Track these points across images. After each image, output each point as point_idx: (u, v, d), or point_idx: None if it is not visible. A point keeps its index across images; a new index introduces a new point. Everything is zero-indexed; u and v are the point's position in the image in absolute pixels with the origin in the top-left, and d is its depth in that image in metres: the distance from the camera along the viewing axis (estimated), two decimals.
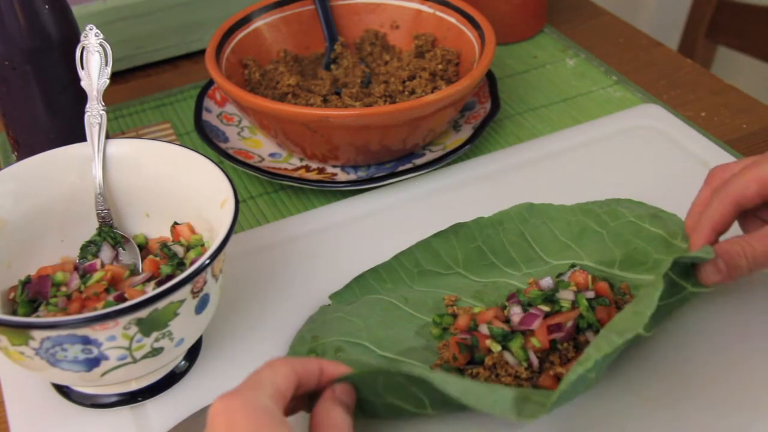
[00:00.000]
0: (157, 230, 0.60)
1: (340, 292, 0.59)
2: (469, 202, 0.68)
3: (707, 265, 0.51)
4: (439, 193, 0.70)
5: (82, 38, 0.60)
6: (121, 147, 0.59)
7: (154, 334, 0.48)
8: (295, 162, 0.73)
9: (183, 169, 0.57)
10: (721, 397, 0.52)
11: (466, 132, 0.74)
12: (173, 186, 0.58)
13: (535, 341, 0.50)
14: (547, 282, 0.55)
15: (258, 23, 0.79)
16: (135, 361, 0.48)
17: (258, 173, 0.70)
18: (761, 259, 0.50)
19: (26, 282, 0.55)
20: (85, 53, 0.60)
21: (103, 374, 0.48)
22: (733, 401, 0.52)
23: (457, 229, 0.60)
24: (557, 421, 0.51)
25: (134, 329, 0.47)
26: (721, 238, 0.53)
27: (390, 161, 0.72)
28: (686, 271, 0.52)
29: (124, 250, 0.58)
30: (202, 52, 0.84)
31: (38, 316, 0.53)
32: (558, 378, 0.50)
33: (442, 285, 0.58)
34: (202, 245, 0.57)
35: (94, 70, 0.60)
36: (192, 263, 0.55)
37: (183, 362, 0.56)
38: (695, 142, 0.73)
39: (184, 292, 0.48)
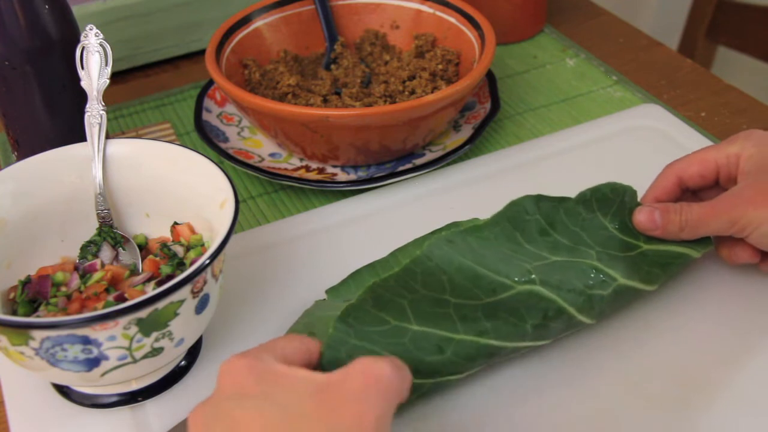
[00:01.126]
0: (157, 230, 0.60)
1: (337, 287, 0.59)
2: (469, 202, 0.68)
3: (643, 208, 0.55)
4: (439, 193, 0.70)
5: (82, 38, 0.60)
6: (121, 147, 0.59)
7: (154, 334, 0.48)
8: (295, 162, 0.73)
9: (183, 169, 0.57)
10: (721, 396, 0.52)
11: (466, 132, 0.74)
12: (173, 186, 0.58)
13: None
14: None
15: (258, 23, 0.79)
16: (135, 361, 0.48)
17: (258, 173, 0.70)
18: (694, 223, 0.54)
19: (26, 282, 0.55)
20: (85, 53, 0.60)
21: (103, 374, 0.48)
22: (733, 401, 0.52)
23: (452, 227, 0.60)
24: (555, 418, 0.51)
25: (134, 329, 0.47)
26: None
27: (390, 161, 0.72)
28: (629, 228, 0.56)
29: (124, 250, 0.59)
30: (202, 52, 0.84)
31: (38, 316, 0.53)
32: None
33: None
34: (202, 245, 0.57)
35: (94, 70, 0.60)
36: (192, 263, 0.55)
37: (183, 362, 0.56)
38: (695, 142, 0.73)
39: (184, 292, 0.48)
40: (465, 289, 0.51)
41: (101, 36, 0.60)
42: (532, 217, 0.55)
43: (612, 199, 0.57)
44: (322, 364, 0.48)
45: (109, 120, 0.79)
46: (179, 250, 0.57)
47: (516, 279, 0.52)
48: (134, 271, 0.57)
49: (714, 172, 0.57)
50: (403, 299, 0.50)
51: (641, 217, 0.55)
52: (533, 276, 0.52)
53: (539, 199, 0.55)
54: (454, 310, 0.51)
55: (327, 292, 0.59)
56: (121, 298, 0.54)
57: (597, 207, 0.57)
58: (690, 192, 0.60)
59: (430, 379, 0.50)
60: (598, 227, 0.56)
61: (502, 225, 0.54)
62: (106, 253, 0.58)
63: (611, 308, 0.55)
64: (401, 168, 0.71)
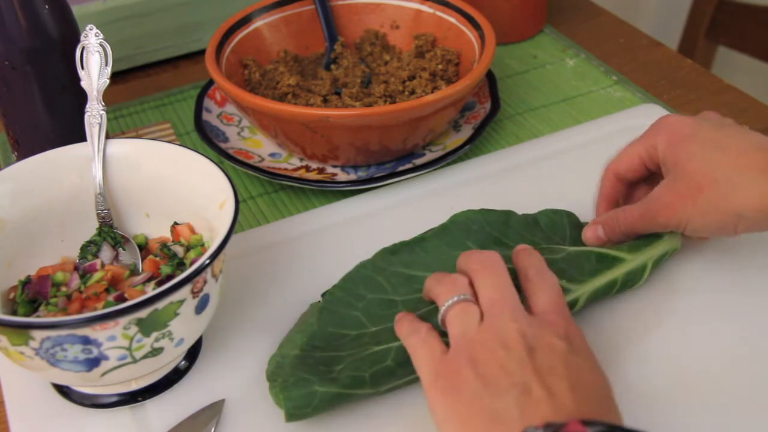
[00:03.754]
0: (157, 230, 0.60)
1: (332, 290, 0.59)
2: (468, 202, 0.68)
3: (588, 227, 0.59)
4: (439, 193, 0.70)
5: (82, 38, 0.60)
6: (121, 147, 0.59)
7: (154, 334, 0.48)
8: (295, 162, 0.73)
9: (183, 169, 0.57)
10: (722, 396, 0.52)
11: (466, 132, 0.74)
12: (173, 186, 0.58)
13: None
14: None
15: (258, 23, 0.79)
16: (135, 361, 0.48)
17: (258, 173, 0.70)
18: (634, 228, 0.57)
19: (26, 282, 0.55)
20: (85, 53, 0.60)
21: (103, 374, 0.48)
22: (735, 401, 0.52)
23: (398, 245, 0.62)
24: None
25: (134, 329, 0.47)
26: None
27: (390, 161, 0.72)
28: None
29: (124, 250, 0.59)
30: (202, 52, 0.84)
31: (38, 316, 0.53)
32: None
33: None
34: (202, 245, 0.57)
35: (94, 70, 0.60)
36: (192, 263, 0.55)
37: (183, 362, 0.56)
38: None
39: (184, 292, 0.48)
40: (404, 286, 0.55)
41: (101, 36, 0.60)
42: (482, 228, 0.59)
43: (559, 222, 0.60)
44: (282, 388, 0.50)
45: (109, 120, 0.79)
46: (179, 250, 0.57)
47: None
48: (134, 271, 0.57)
49: (642, 165, 0.59)
50: (355, 310, 0.54)
51: (588, 234, 0.59)
52: None
53: (483, 212, 0.60)
54: (403, 306, 0.54)
55: (323, 295, 0.59)
56: (121, 298, 0.54)
57: (548, 229, 0.60)
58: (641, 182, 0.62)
59: (393, 343, 0.51)
60: (557, 234, 0.60)
61: (452, 235, 0.58)
62: (106, 253, 0.58)
63: (579, 269, 0.56)
64: (401, 168, 0.71)
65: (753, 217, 0.52)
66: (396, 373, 0.51)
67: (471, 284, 0.49)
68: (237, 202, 0.52)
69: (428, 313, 0.52)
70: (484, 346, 0.45)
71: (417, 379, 0.53)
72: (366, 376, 0.50)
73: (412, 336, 0.49)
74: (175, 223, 0.58)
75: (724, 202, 0.52)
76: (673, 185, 0.55)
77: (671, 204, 0.55)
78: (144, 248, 0.59)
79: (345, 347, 0.52)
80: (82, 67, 0.60)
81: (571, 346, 0.45)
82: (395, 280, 0.55)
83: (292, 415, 0.50)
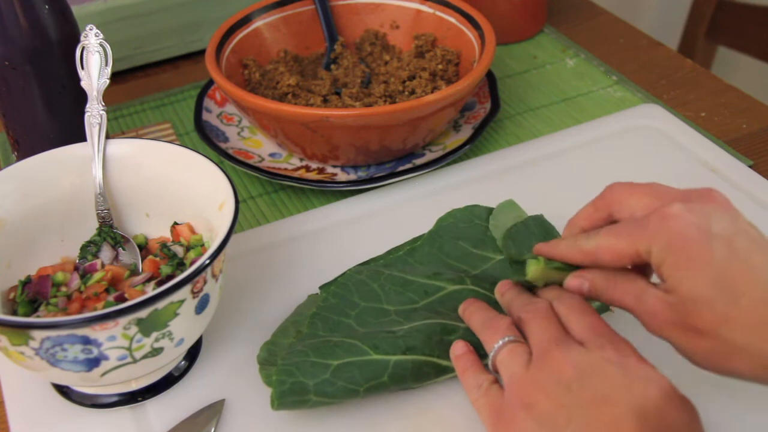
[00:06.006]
0: (157, 230, 0.60)
1: (330, 283, 0.59)
2: (469, 202, 0.68)
3: (575, 277, 0.50)
4: (439, 193, 0.70)
5: (82, 38, 0.60)
6: (121, 147, 0.59)
7: (154, 334, 0.48)
8: (295, 162, 0.73)
9: (183, 169, 0.57)
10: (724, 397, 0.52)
11: (466, 132, 0.74)
12: (173, 186, 0.58)
13: None
14: None
15: (258, 23, 0.79)
16: (135, 361, 0.48)
17: (258, 173, 0.70)
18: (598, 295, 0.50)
19: (26, 282, 0.55)
20: (85, 53, 0.60)
21: (103, 374, 0.48)
22: (731, 399, 0.52)
23: (392, 252, 0.62)
24: None
25: (134, 329, 0.47)
26: None
27: (390, 161, 0.72)
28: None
29: (124, 250, 0.59)
30: (202, 52, 0.84)
31: (38, 316, 0.53)
32: None
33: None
34: (202, 245, 0.57)
35: (94, 70, 0.60)
36: (192, 263, 0.55)
37: (183, 362, 0.56)
38: (695, 142, 0.73)
39: (184, 292, 0.48)
40: (398, 294, 0.55)
41: (101, 36, 0.60)
42: (471, 224, 0.59)
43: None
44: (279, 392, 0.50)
45: (109, 120, 0.79)
46: (179, 251, 0.57)
47: (447, 281, 0.56)
48: (134, 271, 0.57)
49: (628, 259, 0.47)
50: (348, 318, 0.54)
51: (570, 284, 0.50)
52: (465, 278, 0.56)
53: (469, 208, 0.60)
54: (396, 315, 0.54)
55: (321, 288, 0.59)
56: (121, 298, 0.54)
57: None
58: None
59: (392, 356, 0.51)
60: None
61: (443, 239, 0.59)
62: (106, 253, 0.58)
63: None
64: (401, 168, 0.71)
65: (750, 378, 0.44)
66: (390, 388, 0.52)
67: (514, 323, 0.50)
68: (237, 202, 0.52)
69: (428, 327, 0.53)
70: (535, 386, 0.45)
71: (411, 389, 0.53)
72: (360, 390, 0.51)
73: (476, 390, 0.49)
74: (175, 223, 0.58)
75: (722, 361, 0.44)
76: (673, 310, 0.45)
77: (669, 324, 0.46)
78: (144, 248, 0.59)
79: (338, 333, 0.53)
80: (82, 67, 0.60)
81: (623, 363, 0.44)
82: (390, 286, 0.55)
83: (281, 406, 0.50)
